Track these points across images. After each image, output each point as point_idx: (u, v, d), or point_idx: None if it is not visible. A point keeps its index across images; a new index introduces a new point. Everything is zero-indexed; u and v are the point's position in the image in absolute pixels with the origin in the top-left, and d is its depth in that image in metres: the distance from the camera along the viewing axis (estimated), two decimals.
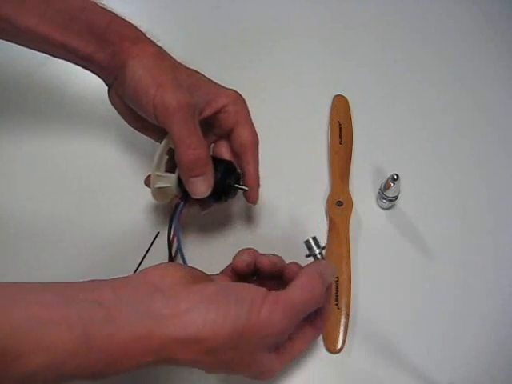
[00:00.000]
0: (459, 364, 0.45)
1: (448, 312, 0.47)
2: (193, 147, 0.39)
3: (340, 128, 0.55)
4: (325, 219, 0.51)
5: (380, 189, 0.50)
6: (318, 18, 0.63)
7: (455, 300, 0.48)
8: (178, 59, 0.43)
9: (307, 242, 0.41)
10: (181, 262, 0.43)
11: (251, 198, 0.45)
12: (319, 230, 0.50)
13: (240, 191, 0.44)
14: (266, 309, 0.33)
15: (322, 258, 0.41)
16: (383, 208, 0.51)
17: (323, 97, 0.57)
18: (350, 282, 0.47)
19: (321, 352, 0.45)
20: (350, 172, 0.53)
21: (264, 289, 0.35)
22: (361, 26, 0.63)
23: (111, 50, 0.41)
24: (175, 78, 0.40)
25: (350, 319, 0.46)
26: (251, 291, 0.34)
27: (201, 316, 0.32)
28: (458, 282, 0.49)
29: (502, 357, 0.45)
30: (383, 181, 0.50)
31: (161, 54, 0.42)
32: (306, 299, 0.35)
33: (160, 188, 0.43)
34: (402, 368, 0.44)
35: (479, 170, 0.54)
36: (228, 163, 0.44)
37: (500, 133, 0.57)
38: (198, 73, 0.43)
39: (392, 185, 0.48)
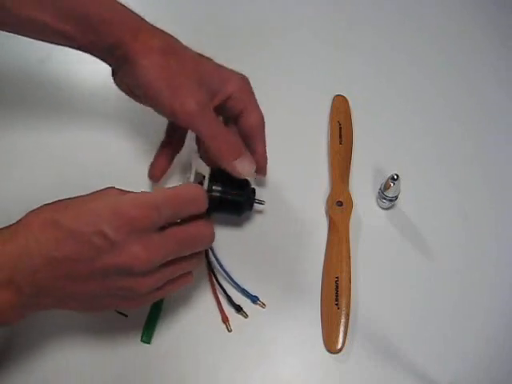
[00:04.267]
0: (459, 364, 0.45)
1: (448, 312, 0.47)
2: (223, 138, 0.42)
3: (340, 128, 0.55)
4: (325, 219, 0.51)
5: (380, 189, 0.50)
6: (319, 18, 0.63)
7: (455, 300, 0.48)
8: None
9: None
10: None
11: (261, 173, 0.48)
12: (319, 230, 0.50)
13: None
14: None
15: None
16: (383, 208, 0.51)
17: (323, 97, 0.57)
18: (350, 282, 0.47)
19: (321, 352, 0.45)
20: (350, 172, 0.53)
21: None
22: (361, 26, 0.63)
23: (110, 41, 0.41)
24: (186, 76, 0.41)
25: (350, 319, 0.46)
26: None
27: None
28: (459, 282, 0.49)
29: (502, 357, 0.46)
30: (383, 181, 0.50)
31: (166, 49, 0.42)
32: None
33: None
34: (401, 368, 0.44)
35: (479, 170, 0.54)
36: (245, 181, 0.46)
37: (501, 133, 0.57)
38: (202, 57, 0.44)
39: (392, 185, 0.48)
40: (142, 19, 0.43)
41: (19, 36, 0.43)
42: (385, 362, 0.45)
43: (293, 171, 0.53)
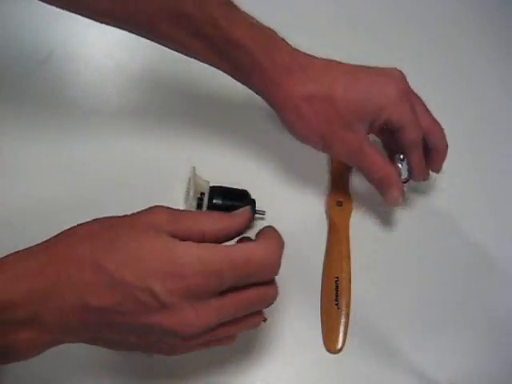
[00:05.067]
0: (459, 364, 0.45)
1: (448, 312, 0.47)
2: (373, 172, 0.44)
3: None
4: (325, 219, 0.51)
5: None
6: (319, 18, 0.63)
7: (455, 300, 0.48)
8: None
9: None
10: None
11: (419, 178, 0.48)
12: (319, 230, 0.50)
13: None
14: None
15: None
16: None
17: None
18: (350, 281, 0.47)
19: (321, 352, 0.45)
20: (350, 172, 0.53)
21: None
22: (361, 26, 0.63)
23: (256, 90, 0.42)
24: (332, 121, 0.42)
25: (350, 319, 0.46)
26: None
27: None
28: (459, 282, 0.49)
29: (501, 357, 0.45)
30: None
31: (308, 98, 0.41)
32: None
33: None
34: (401, 368, 0.44)
35: (480, 170, 0.54)
36: (243, 192, 0.47)
37: (502, 134, 0.57)
38: (349, 75, 0.43)
39: (400, 166, 0.47)
40: (291, 52, 0.43)
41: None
42: (385, 361, 0.44)
43: (293, 171, 0.53)
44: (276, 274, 0.33)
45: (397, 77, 0.44)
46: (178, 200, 0.49)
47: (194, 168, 0.47)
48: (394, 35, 0.63)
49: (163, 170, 0.51)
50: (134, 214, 0.33)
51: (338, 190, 0.51)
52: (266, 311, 0.44)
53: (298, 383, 0.44)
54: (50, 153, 0.52)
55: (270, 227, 0.36)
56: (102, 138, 0.53)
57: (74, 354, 0.42)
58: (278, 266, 0.33)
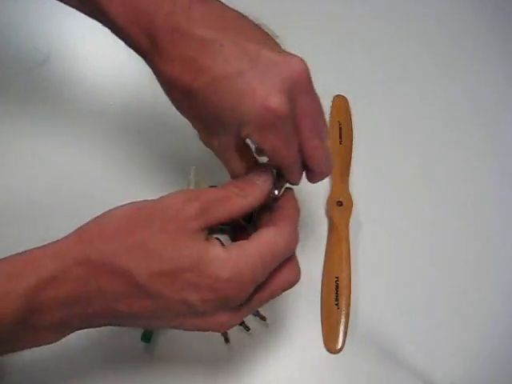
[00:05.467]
0: (459, 364, 0.45)
1: (448, 312, 0.47)
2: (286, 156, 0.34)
3: (340, 128, 0.55)
4: (325, 219, 0.51)
5: None
6: (319, 18, 0.63)
7: (455, 300, 0.48)
8: None
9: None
10: None
11: (314, 178, 0.38)
12: (319, 230, 0.50)
13: None
14: (158, 198, 0.32)
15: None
16: None
17: (323, 97, 0.57)
18: (350, 281, 0.47)
19: (321, 352, 0.45)
20: (350, 172, 0.53)
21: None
22: (361, 25, 0.63)
23: (145, 43, 0.34)
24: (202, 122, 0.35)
25: (350, 319, 0.46)
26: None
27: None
28: (459, 282, 0.49)
29: (502, 356, 0.46)
30: (383, 181, 0.49)
31: (186, 60, 0.32)
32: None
33: None
34: (402, 368, 0.44)
35: (479, 171, 0.54)
36: None
37: (503, 134, 0.57)
38: (224, 70, 0.32)
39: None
40: (187, 8, 0.33)
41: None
42: (385, 361, 0.45)
43: None
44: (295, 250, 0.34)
45: (275, 86, 0.31)
46: None
47: (194, 168, 0.47)
48: (394, 35, 0.63)
49: (163, 170, 0.51)
50: (160, 205, 0.31)
51: (338, 190, 0.51)
52: (267, 311, 0.45)
53: (298, 383, 0.44)
54: (50, 153, 0.52)
55: (288, 196, 0.36)
56: (101, 139, 0.53)
57: (74, 354, 0.43)
58: (297, 244, 0.34)
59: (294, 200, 0.36)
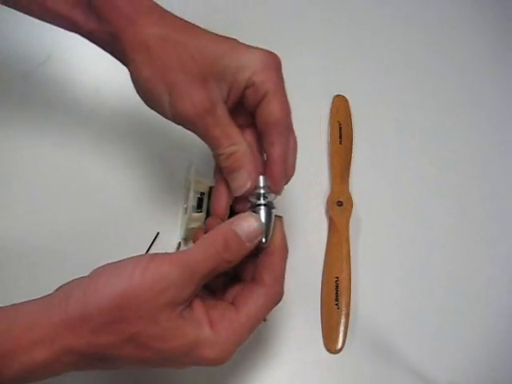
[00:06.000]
0: (459, 363, 0.45)
1: (448, 311, 0.47)
2: (225, 145, 0.35)
3: (340, 128, 0.55)
4: (325, 219, 0.51)
5: None
6: (319, 18, 0.63)
7: (455, 299, 0.48)
8: None
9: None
10: None
11: (274, 188, 0.36)
12: (319, 230, 0.50)
13: None
14: (152, 266, 0.30)
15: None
16: None
17: (323, 97, 0.57)
18: (350, 281, 0.47)
19: (321, 352, 0.45)
20: (350, 172, 0.53)
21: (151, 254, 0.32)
22: (361, 25, 0.63)
23: (108, 30, 0.34)
24: (187, 70, 0.33)
25: (350, 319, 0.46)
26: (134, 258, 0.31)
27: (81, 291, 0.30)
28: (458, 282, 0.49)
29: (501, 356, 0.46)
30: (383, 181, 0.50)
31: (164, 38, 0.34)
32: (197, 253, 0.31)
33: (193, 228, 0.45)
34: (401, 368, 0.44)
35: (478, 170, 0.55)
36: None
37: (503, 136, 0.57)
38: (216, 39, 0.35)
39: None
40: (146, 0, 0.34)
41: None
42: (385, 361, 0.45)
43: None
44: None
45: (271, 52, 0.36)
46: (178, 200, 0.49)
47: (194, 168, 0.47)
48: (394, 35, 0.63)
49: (163, 170, 0.51)
50: (149, 289, 0.30)
51: (338, 190, 0.51)
52: None
53: (298, 383, 0.44)
54: (49, 154, 0.52)
55: (277, 236, 0.35)
56: (100, 139, 0.53)
57: None
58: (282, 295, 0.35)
59: (283, 241, 0.35)
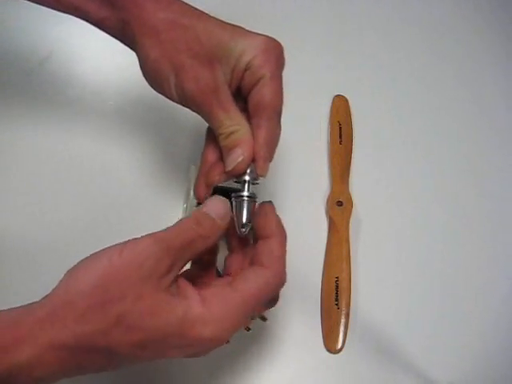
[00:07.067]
0: (459, 364, 0.45)
1: (448, 311, 0.47)
2: (227, 125, 0.35)
3: (340, 128, 0.55)
4: (325, 219, 0.51)
5: None
6: (319, 18, 0.63)
7: (455, 300, 0.48)
8: None
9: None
10: None
11: (258, 169, 0.37)
12: (319, 230, 0.50)
13: None
14: (129, 245, 0.30)
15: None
16: None
17: (323, 97, 0.57)
18: (350, 281, 0.47)
19: (321, 352, 0.45)
20: (350, 172, 0.53)
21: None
22: (361, 25, 0.63)
23: (121, 17, 0.36)
24: (192, 52, 0.35)
25: (350, 319, 0.46)
26: (112, 246, 0.31)
27: (62, 283, 0.29)
28: (458, 282, 0.49)
29: (501, 356, 0.46)
30: (383, 181, 0.50)
31: (171, 22, 0.35)
32: (179, 231, 0.32)
33: None
34: (401, 368, 0.44)
35: (479, 171, 0.55)
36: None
37: (504, 138, 0.57)
38: (222, 25, 0.37)
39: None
40: None
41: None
42: (385, 361, 0.45)
43: (293, 171, 0.53)
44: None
45: (273, 39, 0.37)
46: (178, 200, 0.49)
47: (194, 168, 0.47)
48: (394, 35, 0.63)
49: (163, 169, 0.51)
50: (129, 266, 0.30)
51: (338, 190, 0.51)
52: (267, 311, 0.45)
53: (298, 383, 0.44)
54: (50, 153, 0.52)
55: (270, 219, 0.36)
56: (101, 139, 0.53)
57: None
58: (285, 283, 0.34)
59: (278, 224, 0.36)
